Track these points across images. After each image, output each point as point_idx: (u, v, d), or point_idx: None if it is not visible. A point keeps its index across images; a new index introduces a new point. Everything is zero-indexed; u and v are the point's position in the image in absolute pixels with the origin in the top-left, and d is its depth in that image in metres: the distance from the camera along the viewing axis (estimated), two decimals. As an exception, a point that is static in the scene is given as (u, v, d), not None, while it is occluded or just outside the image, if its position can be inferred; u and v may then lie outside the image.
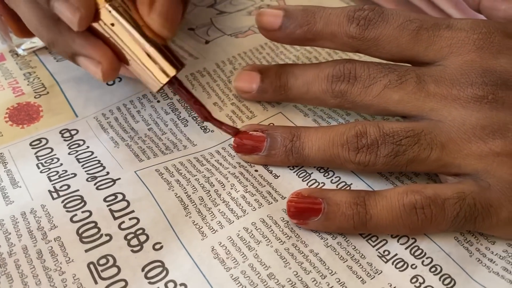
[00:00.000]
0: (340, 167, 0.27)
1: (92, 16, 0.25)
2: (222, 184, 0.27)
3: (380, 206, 0.24)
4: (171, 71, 0.26)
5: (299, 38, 0.28)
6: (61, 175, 0.27)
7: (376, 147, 0.25)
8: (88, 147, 0.29)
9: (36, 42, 0.36)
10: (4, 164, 0.28)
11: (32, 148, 0.29)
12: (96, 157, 0.28)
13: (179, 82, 0.27)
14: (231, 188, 0.26)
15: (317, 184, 0.27)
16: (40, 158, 0.28)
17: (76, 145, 0.29)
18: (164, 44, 0.26)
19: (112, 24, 0.26)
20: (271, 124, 0.30)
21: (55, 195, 0.26)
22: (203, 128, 0.30)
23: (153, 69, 0.26)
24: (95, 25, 0.26)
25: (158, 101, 0.32)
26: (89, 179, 0.27)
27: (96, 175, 0.27)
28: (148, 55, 0.26)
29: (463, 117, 0.25)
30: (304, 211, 0.24)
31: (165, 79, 0.26)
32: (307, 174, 0.27)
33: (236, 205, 0.26)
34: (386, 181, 0.27)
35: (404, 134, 0.25)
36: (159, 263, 0.23)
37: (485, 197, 0.24)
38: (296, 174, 0.27)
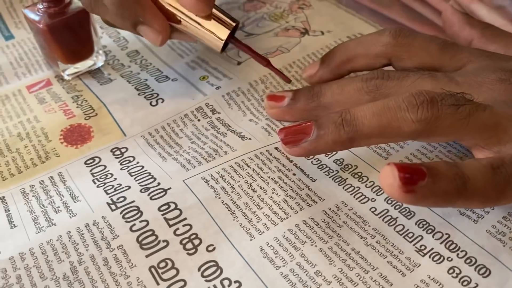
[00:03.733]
0: (397, 133, 0.25)
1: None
2: (264, 189, 0.29)
3: (471, 168, 0.23)
4: (228, 30, 0.32)
5: (337, 64, 0.33)
6: (117, 188, 0.29)
7: (437, 101, 0.25)
8: (138, 162, 0.31)
9: (80, 67, 0.39)
10: (63, 181, 0.30)
11: (87, 166, 0.31)
12: (146, 170, 0.31)
13: (236, 38, 0.33)
14: (273, 193, 0.29)
15: (352, 188, 0.29)
16: (95, 174, 0.31)
17: (127, 161, 0.31)
18: (217, 7, 0.32)
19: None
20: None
21: (113, 207, 0.28)
22: (241, 137, 0.33)
23: (213, 30, 0.31)
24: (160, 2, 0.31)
25: (199, 120, 0.34)
26: (143, 190, 0.29)
27: (149, 186, 0.29)
28: (208, 19, 0.31)
29: (493, 96, 0.27)
30: (414, 173, 0.22)
31: (225, 36, 0.31)
32: (342, 180, 0.29)
33: (279, 208, 0.28)
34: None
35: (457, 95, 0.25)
36: (213, 263, 0.25)
37: None
38: (332, 179, 0.29)
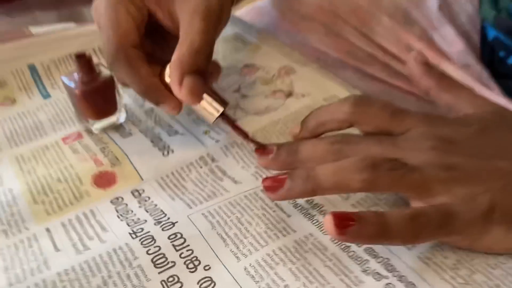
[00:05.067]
0: (347, 188, 0.33)
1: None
2: (249, 223, 0.37)
3: (394, 217, 0.31)
4: (220, 108, 0.40)
5: (313, 128, 0.40)
6: (136, 222, 0.38)
7: (377, 165, 0.32)
8: (152, 201, 0.40)
9: (105, 123, 0.47)
10: (94, 216, 0.39)
11: (112, 204, 0.40)
12: (159, 207, 0.39)
13: (226, 116, 0.41)
14: (256, 226, 0.37)
15: (318, 223, 0.37)
16: (119, 211, 0.39)
17: (144, 201, 0.40)
18: (213, 90, 0.41)
19: None
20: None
21: (133, 236, 0.37)
22: (234, 181, 0.41)
23: (208, 108, 0.41)
24: None
25: (201, 167, 0.43)
26: (156, 223, 0.38)
27: (161, 220, 0.38)
28: (205, 101, 0.40)
29: (425, 160, 0.34)
30: (344, 219, 0.30)
31: (217, 114, 0.40)
32: (311, 216, 0.38)
33: (261, 237, 0.36)
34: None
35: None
36: (208, 279, 0.34)
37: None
38: (303, 215, 0.38)
